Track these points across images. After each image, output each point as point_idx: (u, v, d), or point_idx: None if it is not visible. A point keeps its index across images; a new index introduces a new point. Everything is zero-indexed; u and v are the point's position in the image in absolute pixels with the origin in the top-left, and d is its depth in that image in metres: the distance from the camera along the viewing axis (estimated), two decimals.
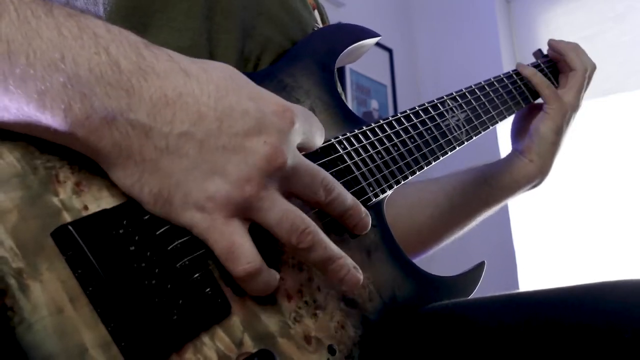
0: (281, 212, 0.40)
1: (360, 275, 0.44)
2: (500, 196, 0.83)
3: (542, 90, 0.83)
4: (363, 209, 0.47)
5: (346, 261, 0.44)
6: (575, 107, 0.84)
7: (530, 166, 0.81)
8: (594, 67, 0.88)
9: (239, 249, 0.39)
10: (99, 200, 0.38)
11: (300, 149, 0.44)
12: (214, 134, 0.38)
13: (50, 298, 0.34)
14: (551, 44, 0.89)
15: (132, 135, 0.37)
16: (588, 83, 0.88)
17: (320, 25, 0.72)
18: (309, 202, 0.45)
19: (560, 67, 0.89)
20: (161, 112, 0.37)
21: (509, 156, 0.85)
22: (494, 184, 0.82)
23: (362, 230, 0.48)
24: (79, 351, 0.33)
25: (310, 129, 0.45)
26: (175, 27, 0.53)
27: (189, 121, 0.38)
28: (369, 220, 0.48)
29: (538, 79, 0.83)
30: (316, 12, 0.74)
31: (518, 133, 0.87)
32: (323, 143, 0.53)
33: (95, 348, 0.34)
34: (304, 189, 0.43)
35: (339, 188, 0.45)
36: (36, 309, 0.33)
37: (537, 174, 0.82)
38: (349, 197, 0.46)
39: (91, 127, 0.36)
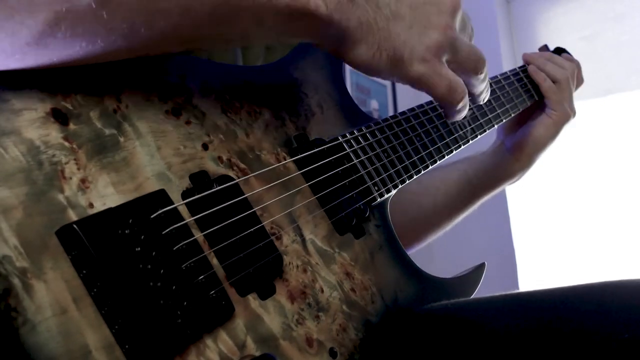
0: (467, 46, 0.50)
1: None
2: (480, 194, 0.83)
3: (549, 95, 0.82)
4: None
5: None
6: (574, 113, 0.84)
7: (515, 165, 0.81)
8: (575, 67, 0.86)
9: (455, 83, 0.48)
10: (105, 198, 0.38)
11: None
12: None
13: (54, 298, 0.33)
14: (526, 58, 0.87)
15: (369, 9, 0.45)
16: (579, 83, 0.88)
17: None
18: (465, 62, 0.51)
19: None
20: None
21: (494, 152, 0.84)
22: (476, 182, 0.82)
23: (482, 100, 0.57)
24: (82, 353, 0.33)
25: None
26: None
27: None
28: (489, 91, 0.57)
29: (547, 85, 0.82)
30: None
31: (509, 127, 0.86)
32: (330, 141, 0.53)
33: (99, 350, 0.34)
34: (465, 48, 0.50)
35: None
36: (40, 310, 0.32)
37: (519, 173, 0.82)
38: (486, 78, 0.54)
39: (342, 9, 0.43)
